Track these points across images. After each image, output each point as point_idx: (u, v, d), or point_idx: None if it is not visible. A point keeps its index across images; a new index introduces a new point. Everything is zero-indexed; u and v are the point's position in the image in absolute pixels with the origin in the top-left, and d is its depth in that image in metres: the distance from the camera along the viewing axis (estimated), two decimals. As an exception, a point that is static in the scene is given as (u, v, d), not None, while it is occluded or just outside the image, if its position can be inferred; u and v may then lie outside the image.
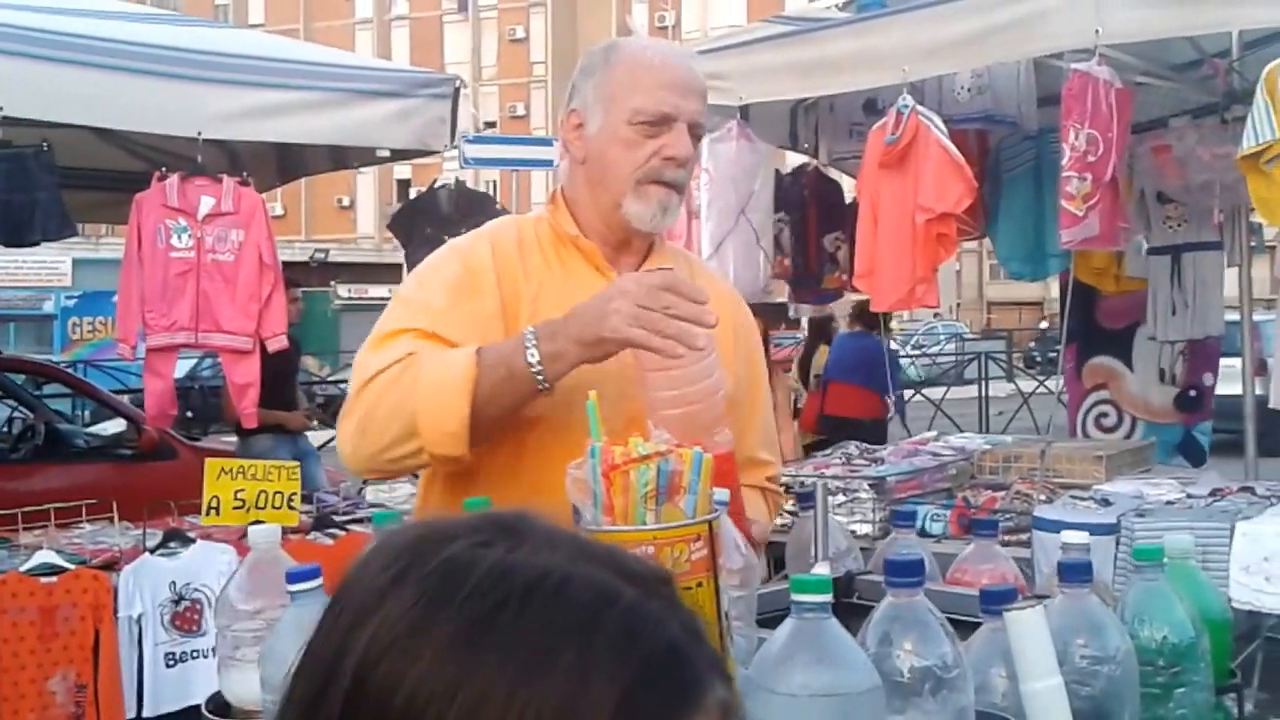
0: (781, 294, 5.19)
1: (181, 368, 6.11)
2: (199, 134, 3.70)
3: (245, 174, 4.03)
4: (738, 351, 1.62)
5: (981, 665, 0.96)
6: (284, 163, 5.02)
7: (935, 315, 25.44)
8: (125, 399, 6.90)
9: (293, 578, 0.96)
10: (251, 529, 1.08)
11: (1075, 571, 1.03)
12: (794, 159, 5.39)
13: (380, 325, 1.49)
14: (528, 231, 1.58)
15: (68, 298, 19.07)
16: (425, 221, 4.88)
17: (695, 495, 0.83)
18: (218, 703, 1.08)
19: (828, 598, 0.79)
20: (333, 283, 25.22)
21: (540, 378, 1.31)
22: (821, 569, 0.91)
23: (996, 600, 0.96)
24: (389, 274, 29.03)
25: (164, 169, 3.86)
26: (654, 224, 1.52)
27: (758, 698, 0.79)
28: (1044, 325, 29.00)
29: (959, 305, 37.45)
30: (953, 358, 19.14)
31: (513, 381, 1.33)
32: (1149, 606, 1.06)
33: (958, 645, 0.88)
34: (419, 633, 0.54)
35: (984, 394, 13.20)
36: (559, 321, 1.34)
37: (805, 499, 1.51)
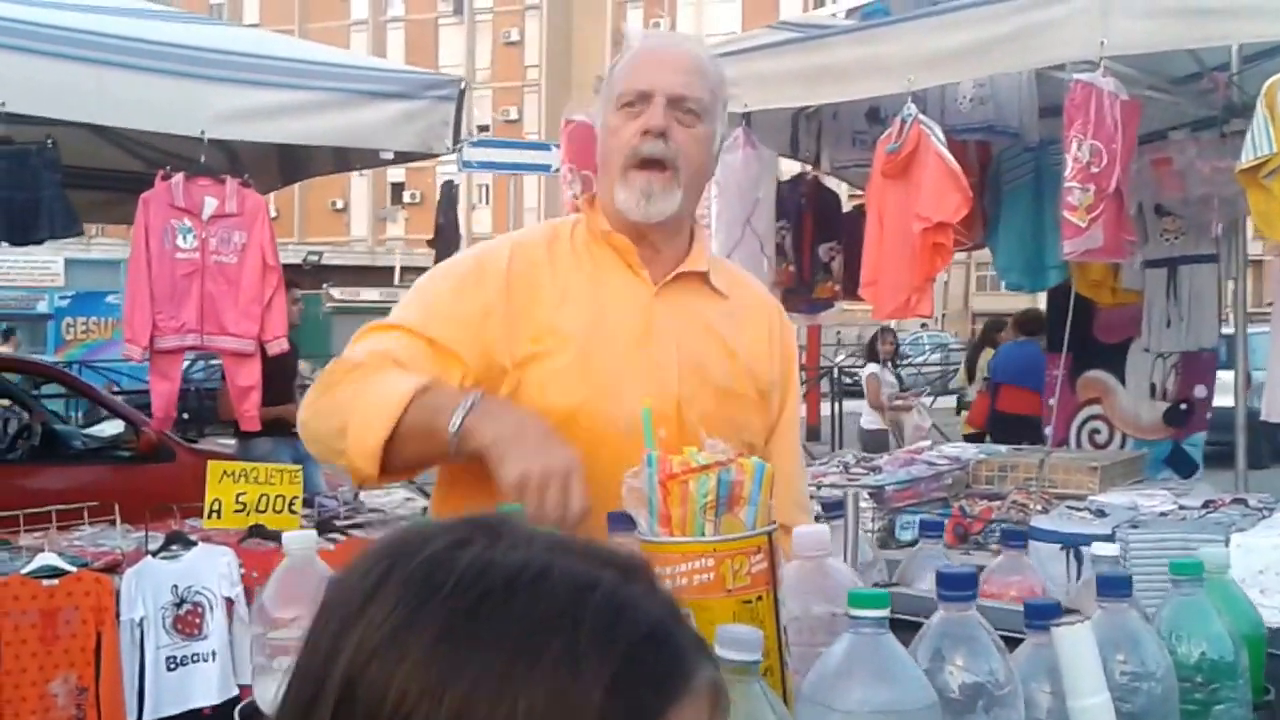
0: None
1: (176, 369, 6.09)
2: (203, 133, 3.67)
3: (246, 175, 4.00)
4: (772, 361, 1.62)
5: (1025, 680, 0.96)
6: (286, 164, 4.98)
7: (922, 325, 25.59)
8: (120, 400, 6.87)
9: (334, 586, 0.95)
10: (286, 535, 1.07)
11: (1114, 586, 1.02)
12: (791, 167, 5.38)
13: (390, 315, 1.55)
14: (563, 232, 1.60)
15: (61, 298, 18.96)
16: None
17: (756, 506, 0.82)
18: (250, 711, 1.07)
19: (885, 612, 0.79)
20: (325, 285, 25.14)
21: (452, 444, 1.30)
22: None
23: (1042, 615, 0.95)
24: (381, 277, 28.98)
25: (168, 168, 3.83)
26: (641, 211, 1.50)
27: (814, 714, 0.79)
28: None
29: (945, 315, 37.64)
30: (938, 368, 19.23)
31: (430, 433, 1.32)
32: (1187, 621, 1.06)
33: (1009, 661, 0.87)
34: (404, 633, 0.55)
35: (969, 403, 13.28)
36: (501, 406, 1.36)
37: (831, 508, 1.51)
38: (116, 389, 8.27)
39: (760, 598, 0.80)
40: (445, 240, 4.94)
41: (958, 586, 0.87)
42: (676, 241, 1.59)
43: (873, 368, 8.83)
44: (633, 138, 1.49)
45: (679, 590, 0.81)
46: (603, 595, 0.56)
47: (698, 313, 1.58)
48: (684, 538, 0.80)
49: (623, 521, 1.00)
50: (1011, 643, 1.02)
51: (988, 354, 8.58)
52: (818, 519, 1.57)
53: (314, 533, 1.09)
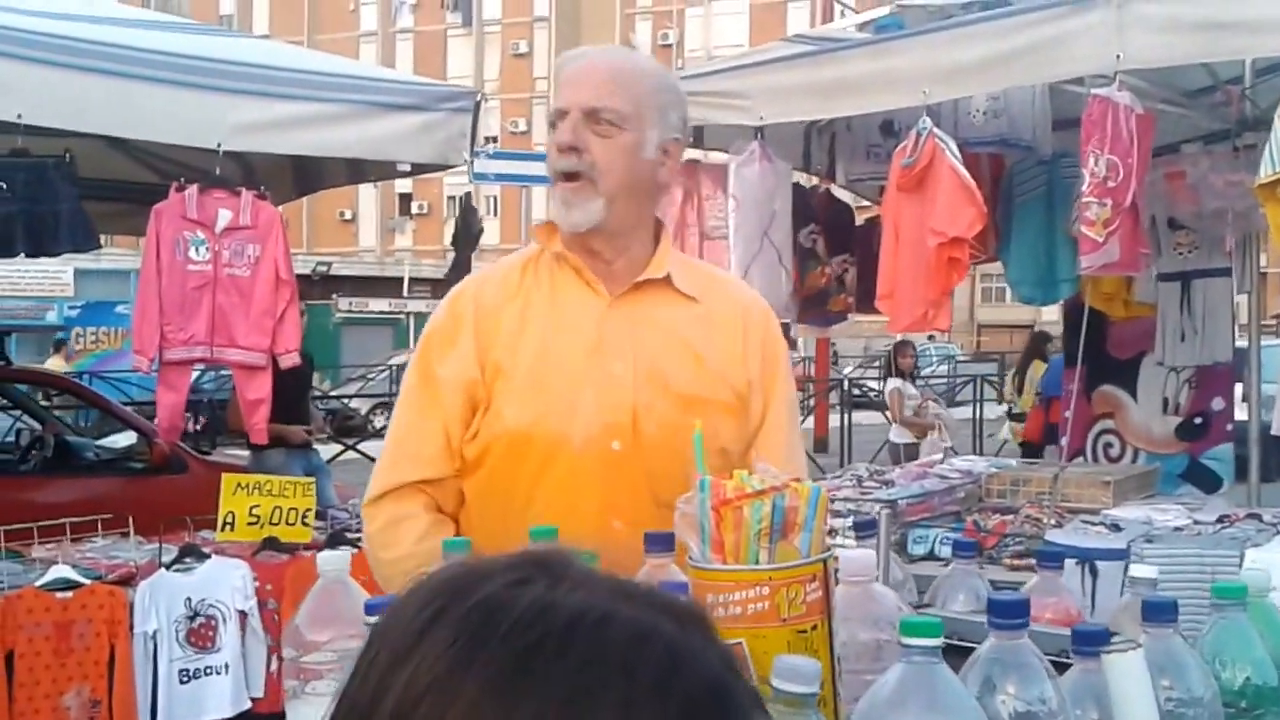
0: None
1: (186, 380, 6.08)
2: (219, 145, 3.65)
3: (262, 187, 3.99)
4: (748, 362, 1.60)
5: (1071, 706, 0.94)
6: (300, 175, 4.96)
7: (930, 338, 25.61)
8: (129, 410, 6.86)
9: (371, 608, 0.94)
10: (320, 555, 1.06)
11: (1160, 611, 1.00)
12: (805, 179, 5.37)
13: (403, 391, 1.62)
14: (533, 253, 1.64)
15: (70, 308, 19.01)
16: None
17: (811, 533, 0.81)
18: (282, 734, 1.06)
19: (939, 641, 0.77)
20: (334, 296, 25.15)
21: None
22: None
23: (1091, 641, 0.94)
24: (390, 287, 29.03)
25: (182, 180, 3.82)
26: (564, 221, 1.54)
27: (867, 743, 0.77)
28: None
29: (950, 327, 37.68)
30: (945, 380, 19.24)
31: None
32: (1230, 646, 1.04)
33: (1060, 689, 0.86)
34: (458, 673, 0.53)
35: (978, 416, 13.28)
36: None
37: (862, 527, 1.49)
38: (126, 400, 8.26)
39: (815, 627, 0.79)
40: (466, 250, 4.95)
41: (1010, 614, 0.85)
42: (633, 252, 1.59)
43: (895, 383, 8.84)
44: (553, 157, 1.56)
45: (732, 619, 0.80)
46: (663, 645, 0.55)
47: (660, 320, 1.57)
48: (738, 565, 0.79)
49: (661, 543, 0.98)
50: (1054, 666, 1.01)
51: (1038, 366, 8.72)
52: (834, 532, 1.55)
53: (348, 554, 1.08)
